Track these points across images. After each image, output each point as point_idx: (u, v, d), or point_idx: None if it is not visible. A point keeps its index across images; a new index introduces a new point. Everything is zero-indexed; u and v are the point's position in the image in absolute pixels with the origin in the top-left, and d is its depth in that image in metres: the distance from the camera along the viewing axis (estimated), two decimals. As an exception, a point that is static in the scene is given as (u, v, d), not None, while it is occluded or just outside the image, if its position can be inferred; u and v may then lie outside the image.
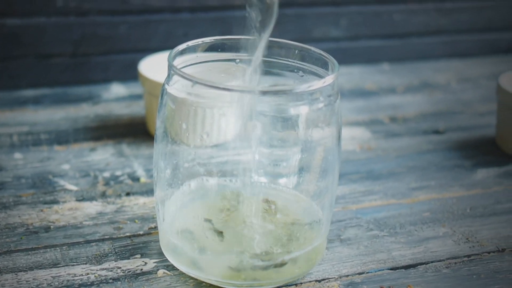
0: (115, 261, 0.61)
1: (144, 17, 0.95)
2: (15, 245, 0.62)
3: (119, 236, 0.64)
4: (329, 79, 0.56)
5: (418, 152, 0.82)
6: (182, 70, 0.57)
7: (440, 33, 1.13)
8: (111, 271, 0.59)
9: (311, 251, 0.59)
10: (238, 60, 0.63)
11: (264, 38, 0.58)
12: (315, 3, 1.04)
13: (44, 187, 0.71)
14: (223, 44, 0.62)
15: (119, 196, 0.70)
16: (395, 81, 1.03)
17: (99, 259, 0.61)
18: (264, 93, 0.54)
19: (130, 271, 0.59)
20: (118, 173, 0.74)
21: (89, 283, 0.58)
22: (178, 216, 0.61)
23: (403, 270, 0.62)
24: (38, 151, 0.78)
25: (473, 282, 0.60)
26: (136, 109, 0.89)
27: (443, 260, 0.63)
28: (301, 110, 0.56)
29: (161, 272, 0.60)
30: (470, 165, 0.80)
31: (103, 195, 0.70)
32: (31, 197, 0.69)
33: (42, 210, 0.67)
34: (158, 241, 0.63)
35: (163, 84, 0.58)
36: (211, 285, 0.58)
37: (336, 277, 0.60)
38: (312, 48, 0.61)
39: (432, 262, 0.63)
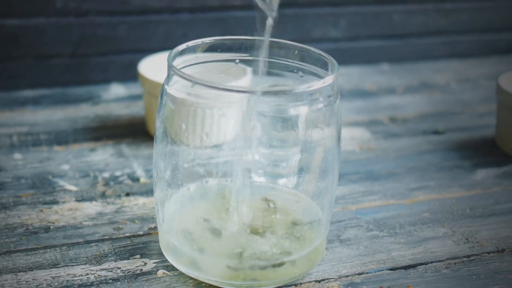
0: (115, 261, 0.61)
1: (143, 17, 0.95)
2: (14, 245, 0.62)
3: (118, 236, 0.64)
4: (328, 79, 0.56)
5: (418, 152, 0.82)
6: (182, 70, 0.57)
7: (440, 34, 1.13)
8: (111, 271, 0.59)
9: (311, 251, 0.59)
10: (237, 61, 0.63)
11: (268, 39, 0.58)
12: (314, 4, 1.04)
13: (44, 188, 0.71)
14: (223, 44, 0.62)
15: (119, 196, 0.70)
16: (394, 82, 1.03)
17: (99, 259, 0.61)
18: (264, 93, 0.54)
19: (129, 272, 0.59)
20: (117, 173, 0.74)
21: (89, 283, 0.58)
22: (177, 216, 0.61)
23: (403, 270, 0.62)
24: (38, 152, 0.78)
25: (472, 283, 0.60)
26: (135, 109, 0.89)
27: (443, 261, 0.63)
28: (301, 111, 0.56)
29: (160, 272, 0.59)
30: (470, 166, 0.80)
31: (103, 195, 0.70)
32: (31, 198, 0.69)
33: (41, 211, 0.67)
34: (157, 241, 0.63)
35: (163, 85, 0.58)
36: (210, 285, 0.58)
37: (336, 277, 0.60)
38: (312, 49, 0.61)
39: (431, 262, 0.63)
